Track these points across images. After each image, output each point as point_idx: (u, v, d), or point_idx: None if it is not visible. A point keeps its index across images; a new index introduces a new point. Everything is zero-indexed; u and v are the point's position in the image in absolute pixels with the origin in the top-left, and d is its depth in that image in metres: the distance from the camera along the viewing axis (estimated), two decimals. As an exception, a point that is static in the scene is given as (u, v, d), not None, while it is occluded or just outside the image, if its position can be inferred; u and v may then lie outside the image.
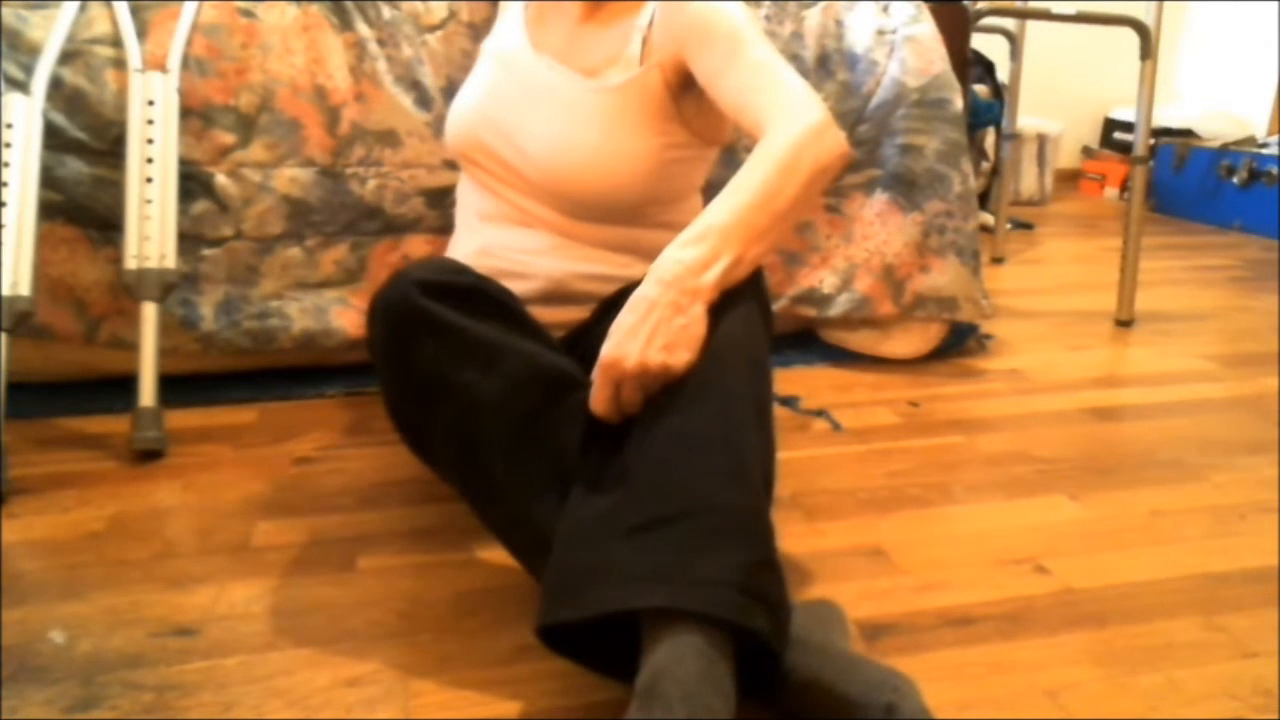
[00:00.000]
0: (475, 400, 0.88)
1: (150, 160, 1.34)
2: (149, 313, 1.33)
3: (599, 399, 0.86)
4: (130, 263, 1.33)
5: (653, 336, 0.83)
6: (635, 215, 1.16)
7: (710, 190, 1.02)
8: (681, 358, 0.83)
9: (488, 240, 1.19)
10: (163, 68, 1.38)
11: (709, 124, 1.16)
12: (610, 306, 0.98)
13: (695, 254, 0.86)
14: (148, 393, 1.32)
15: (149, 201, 1.34)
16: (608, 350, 0.84)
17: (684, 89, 1.12)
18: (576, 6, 1.17)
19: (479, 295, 0.93)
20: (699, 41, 1.07)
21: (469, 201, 1.24)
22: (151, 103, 1.35)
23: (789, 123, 0.95)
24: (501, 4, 1.34)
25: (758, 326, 0.90)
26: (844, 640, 0.85)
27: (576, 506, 0.83)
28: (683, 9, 1.09)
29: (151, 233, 1.33)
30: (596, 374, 0.85)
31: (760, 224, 0.89)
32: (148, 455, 1.32)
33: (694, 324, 0.84)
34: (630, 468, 0.80)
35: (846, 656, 0.78)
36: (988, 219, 2.81)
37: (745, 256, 0.89)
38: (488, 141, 1.16)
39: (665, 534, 0.75)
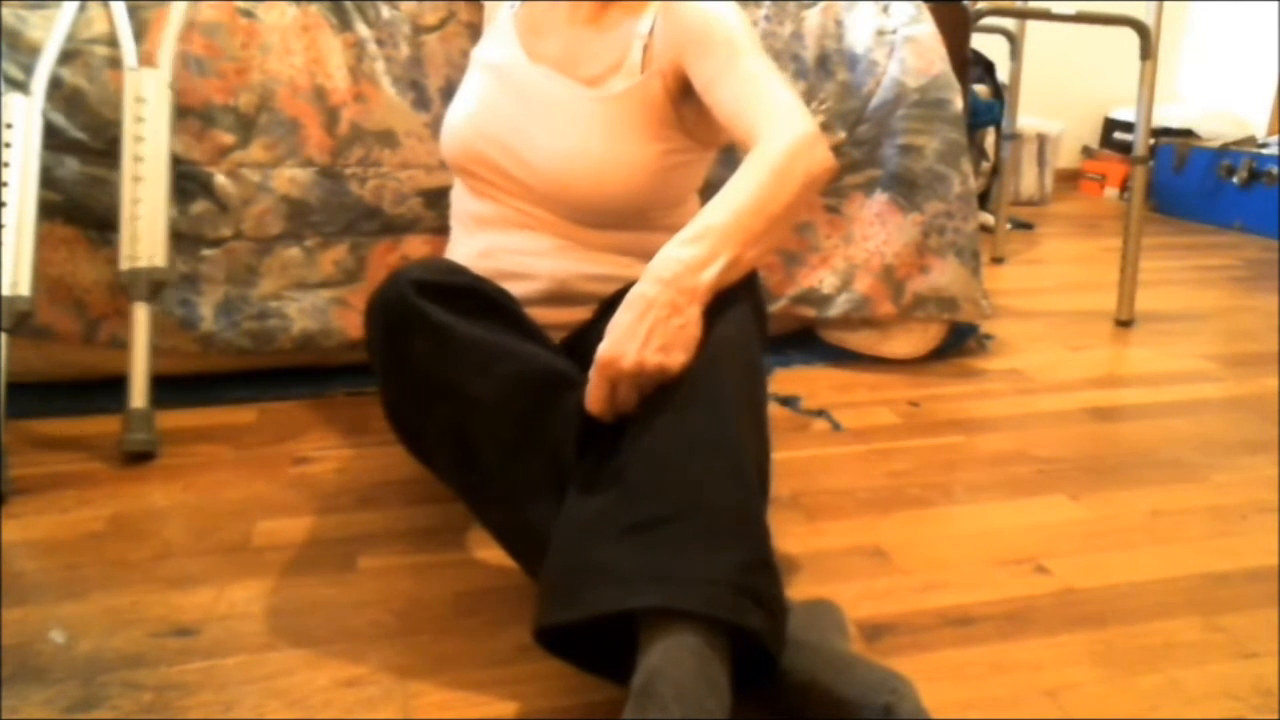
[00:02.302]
0: (471, 401, 0.88)
1: (139, 159, 1.33)
2: (140, 313, 1.33)
3: (594, 398, 0.86)
4: (124, 263, 1.33)
5: (650, 336, 0.83)
6: (637, 219, 1.16)
7: (708, 191, 1.02)
8: (678, 359, 0.83)
9: (489, 243, 1.18)
10: (154, 64, 1.37)
11: (708, 129, 1.16)
12: (609, 306, 0.98)
13: (693, 253, 0.86)
14: (139, 394, 1.32)
15: (137, 201, 1.33)
16: (604, 349, 0.84)
17: (684, 95, 1.12)
18: (579, 10, 1.16)
19: (475, 295, 0.93)
20: (697, 48, 1.07)
21: (465, 208, 1.23)
22: (141, 100, 1.35)
23: (782, 132, 0.96)
24: (488, 8, 1.34)
25: (751, 328, 0.90)
26: (842, 640, 0.85)
27: (572, 507, 0.83)
28: (682, 15, 1.09)
29: (141, 232, 1.33)
30: (593, 373, 0.85)
31: (755, 227, 0.90)
32: (139, 457, 1.31)
33: (691, 325, 0.85)
34: (626, 468, 0.80)
35: (844, 657, 0.78)
36: (988, 219, 2.81)
37: (741, 258, 0.89)
38: (487, 153, 1.16)
39: (661, 534, 0.75)
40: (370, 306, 0.93)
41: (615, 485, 0.80)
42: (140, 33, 1.40)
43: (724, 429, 0.81)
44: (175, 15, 1.39)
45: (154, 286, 1.34)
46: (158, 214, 1.34)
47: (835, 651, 0.79)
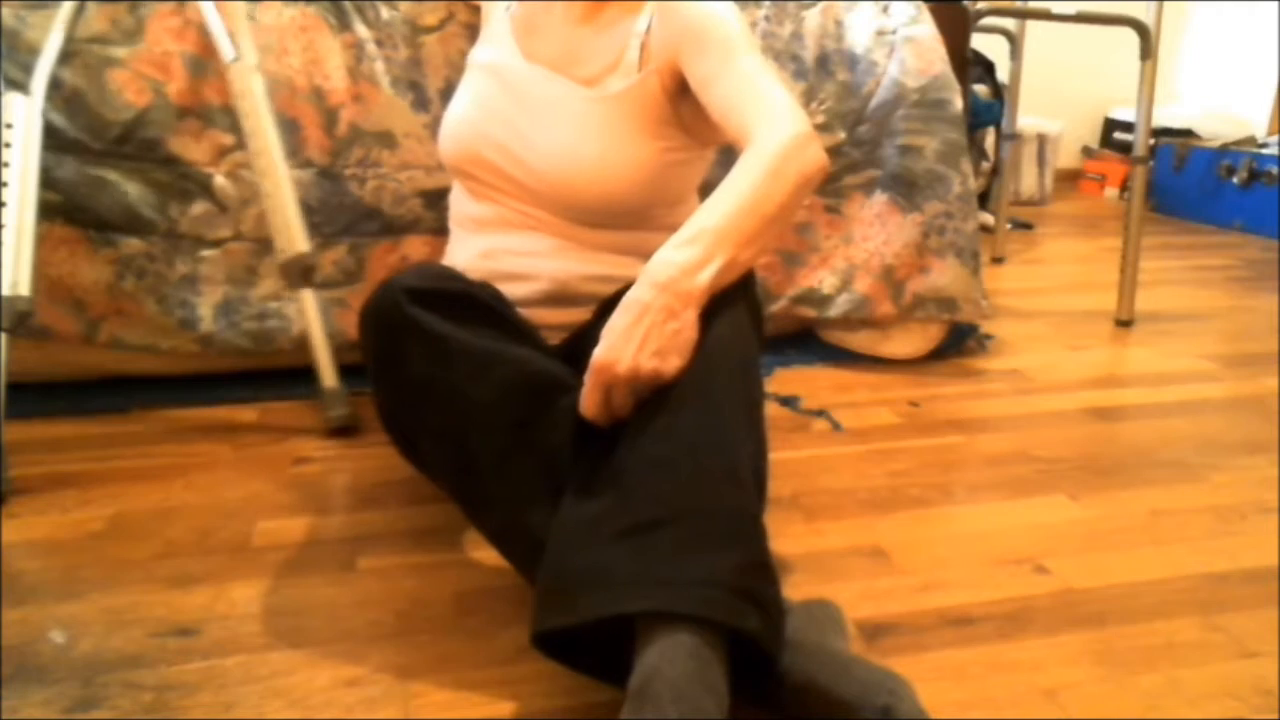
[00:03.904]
0: (465, 408, 0.88)
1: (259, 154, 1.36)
2: (306, 297, 1.38)
3: (589, 402, 0.86)
4: (279, 255, 1.37)
5: (645, 341, 0.83)
6: (638, 219, 1.16)
7: (707, 190, 1.02)
8: (673, 364, 0.83)
9: (489, 244, 1.18)
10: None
11: (706, 127, 1.16)
12: (608, 306, 0.99)
13: (688, 255, 0.86)
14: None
15: (268, 195, 1.36)
16: (600, 354, 0.84)
17: (681, 94, 1.12)
18: (574, 9, 1.16)
19: (469, 301, 0.93)
20: (693, 47, 1.07)
21: (464, 210, 1.23)
22: (244, 94, 1.36)
23: (775, 131, 0.96)
24: (485, 9, 1.33)
25: (747, 328, 0.90)
26: (842, 640, 0.85)
27: (568, 511, 0.83)
28: (679, 13, 1.09)
29: (284, 223, 1.36)
30: (588, 378, 0.85)
31: (750, 228, 0.90)
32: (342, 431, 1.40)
33: (686, 329, 0.84)
34: (621, 471, 0.80)
35: (842, 658, 0.78)
36: (988, 219, 2.81)
37: (737, 259, 0.89)
38: (486, 155, 1.16)
39: (657, 537, 0.75)
40: (364, 315, 0.94)
41: (610, 489, 0.80)
42: (139, 32, 1.40)
43: (719, 430, 0.81)
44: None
45: (307, 271, 1.38)
46: (288, 203, 1.36)
47: (834, 652, 0.79)
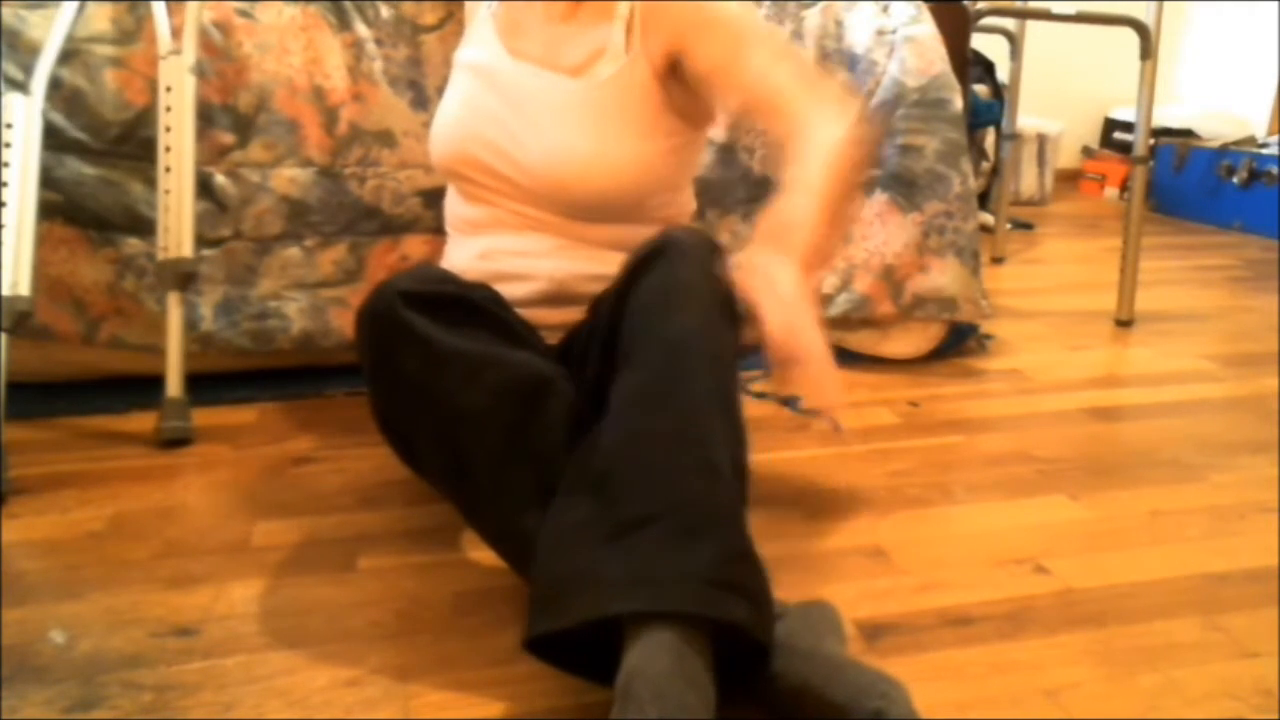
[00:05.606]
0: (459, 412, 0.88)
1: (168, 149, 1.35)
2: (174, 301, 1.35)
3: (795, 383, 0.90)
4: (160, 253, 1.35)
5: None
6: (635, 211, 1.16)
7: (707, 188, 1.02)
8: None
9: (487, 246, 1.18)
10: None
11: (698, 107, 1.16)
12: (601, 305, 0.98)
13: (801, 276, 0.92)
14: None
15: (167, 191, 1.35)
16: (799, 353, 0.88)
17: (672, 75, 1.12)
18: (554, 10, 1.16)
19: (464, 305, 0.93)
20: (701, 32, 1.08)
21: (459, 213, 1.22)
22: (169, 89, 1.34)
23: (829, 120, 1.02)
24: (468, 8, 1.33)
25: (716, 320, 0.90)
26: (838, 642, 0.85)
27: (555, 515, 0.83)
28: (673, 6, 1.10)
29: (171, 223, 1.35)
30: (783, 367, 0.89)
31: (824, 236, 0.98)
32: (173, 443, 1.35)
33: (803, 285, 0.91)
34: (602, 473, 0.80)
35: (835, 660, 0.78)
36: (988, 219, 2.81)
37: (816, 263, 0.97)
38: (478, 156, 1.15)
39: (639, 537, 0.75)
40: (359, 318, 0.94)
41: (593, 492, 0.80)
42: (138, 31, 1.40)
43: (693, 425, 0.81)
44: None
45: (186, 277, 1.37)
46: (186, 205, 1.36)
47: (827, 655, 0.79)
